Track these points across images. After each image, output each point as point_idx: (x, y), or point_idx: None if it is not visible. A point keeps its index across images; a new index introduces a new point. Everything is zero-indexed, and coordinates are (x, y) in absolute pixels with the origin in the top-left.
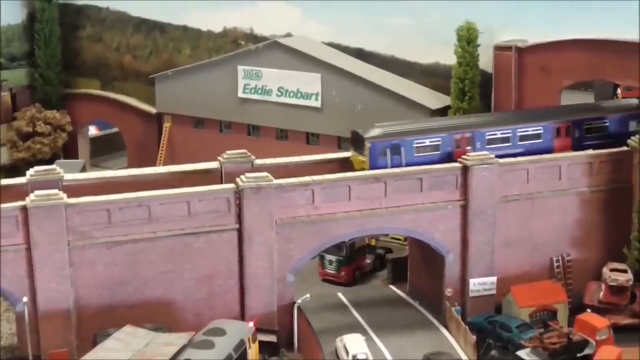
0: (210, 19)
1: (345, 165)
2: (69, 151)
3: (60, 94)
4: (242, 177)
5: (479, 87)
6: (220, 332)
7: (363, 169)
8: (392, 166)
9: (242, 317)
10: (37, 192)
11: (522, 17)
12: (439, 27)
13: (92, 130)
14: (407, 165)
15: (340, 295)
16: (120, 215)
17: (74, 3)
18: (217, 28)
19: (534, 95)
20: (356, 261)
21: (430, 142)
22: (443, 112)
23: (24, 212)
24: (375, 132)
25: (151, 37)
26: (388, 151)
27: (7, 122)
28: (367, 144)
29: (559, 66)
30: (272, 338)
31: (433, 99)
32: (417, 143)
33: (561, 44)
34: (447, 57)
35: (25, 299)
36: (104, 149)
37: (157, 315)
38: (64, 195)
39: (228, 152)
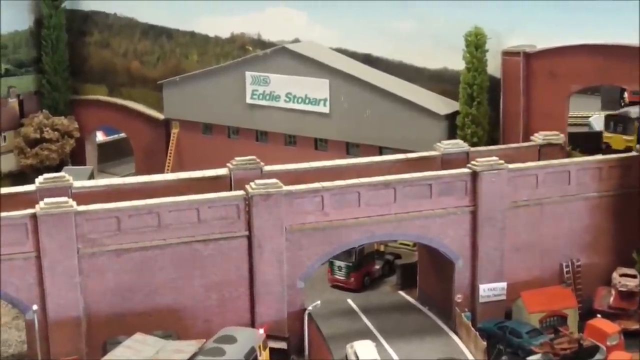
0: (217, 24)
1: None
2: (76, 157)
3: (68, 100)
4: (252, 183)
5: (487, 92)
6: (231, 339)
7: (628, 147)
8: None
9: (253, 324)
10: (46, 200)
11: (530, 22)
12: (446, 32)
13: (100, 136)
14: None
15: (349, 301)
16: (129, 223)
17: (81, 9)
18: (225, 34)
19: (543, 100)
20: (365, 267)
21: None
22: (452, 117)
23: (33, 220)
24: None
25: (159, 43)
26: None
27: (15, 129)
28: (637, 124)
29: (567, 71)
30: (282, 345)
31: (441, 105)
32: None
33: (569, 49)
34: (455, 62)
35: (35, 307)
36: (112, 155)
37: (167, 323)
38: (74, 203)
39: (237, 158)
